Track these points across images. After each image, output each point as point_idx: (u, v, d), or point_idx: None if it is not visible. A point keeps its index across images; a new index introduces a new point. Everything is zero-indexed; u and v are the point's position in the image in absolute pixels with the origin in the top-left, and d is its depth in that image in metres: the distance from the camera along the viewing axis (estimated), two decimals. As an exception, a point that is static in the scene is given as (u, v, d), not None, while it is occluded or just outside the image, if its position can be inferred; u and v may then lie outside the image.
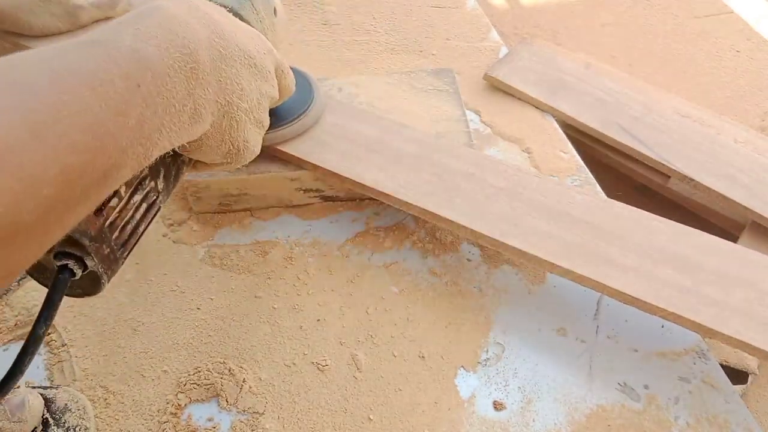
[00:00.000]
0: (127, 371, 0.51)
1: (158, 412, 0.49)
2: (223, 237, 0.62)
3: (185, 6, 0.37)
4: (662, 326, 0.56)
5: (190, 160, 0.44)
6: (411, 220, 0.63)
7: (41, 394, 0.46)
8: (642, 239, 0.54)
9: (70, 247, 0.34)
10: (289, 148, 0.59)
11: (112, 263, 0.37)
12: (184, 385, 0.50)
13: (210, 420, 0.49)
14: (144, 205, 0.39)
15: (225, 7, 0.45)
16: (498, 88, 0.81)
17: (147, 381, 0.51)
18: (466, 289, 0.58)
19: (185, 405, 0.49)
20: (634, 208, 0.56)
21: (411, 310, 0.56)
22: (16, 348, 0.53)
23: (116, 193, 0.36)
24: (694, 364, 0.53)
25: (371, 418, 0.49)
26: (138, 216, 0.39)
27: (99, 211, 0.35)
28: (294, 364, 0.52)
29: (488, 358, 0.53)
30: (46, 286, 0.35)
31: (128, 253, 0.39)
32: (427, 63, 0.84)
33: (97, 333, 0.54)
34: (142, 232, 0.40)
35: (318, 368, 0.52)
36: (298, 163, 0.60)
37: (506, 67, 0.83)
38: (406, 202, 0.56)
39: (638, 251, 0.53)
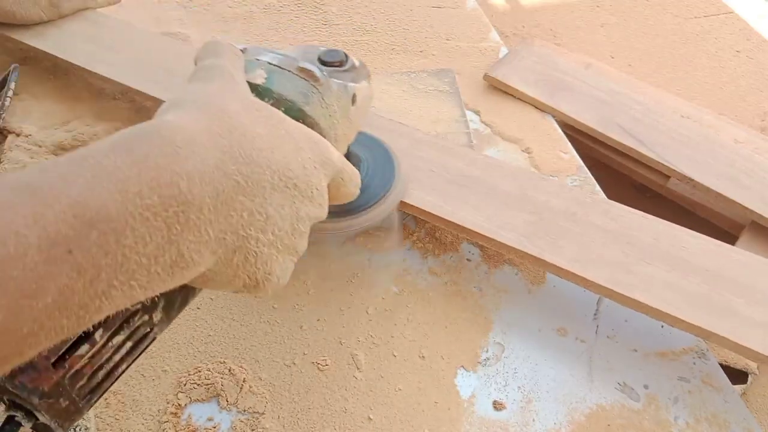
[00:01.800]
0: (127, 371, 0.51)
1: (158, 411, 0.49)
2: (223, 237, 0.61)
3: (207, 118, 0.30)
4: (662, 326, 0.56)
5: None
6: (411, 220, 0.63)
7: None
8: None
9: (19, 399, 0.28)
10: None
11: (72, 415, 0.30)
12: (184, 385, 0.50)
13: (210, 420, 0.49)
14: (129, 344, 0.32)
15: (286, 102, 0.39)
16: (498, 88, 0.81)
17: (147, 381, 0.51)
18: (466, 289, 0.58)
19: (185, 405, 0.49)
20: (753, 255, 0.53)
21: (411, 310, 0.56)
22: (16, 348, 0.53)
23: (88, 338, 0.29)
24: (694, 363, 0.53)
25: (371, 418, 0.49)
26: (118, 357, 0.32)
27: (60, 361, 0.28)
28: (294, 364, 0.52)
29: (488, 358, 0.53)
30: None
31: (98, 397, 0.32)
32: (427, 63, 0.85)
33: (97, 333, 0.54)
34: (123, 372, 0.33)
35: (318, 368, 0.52)
36: None
37: (506, 68, 0.83)
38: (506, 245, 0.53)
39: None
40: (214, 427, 0.48)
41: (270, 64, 0.40)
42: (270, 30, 0.88)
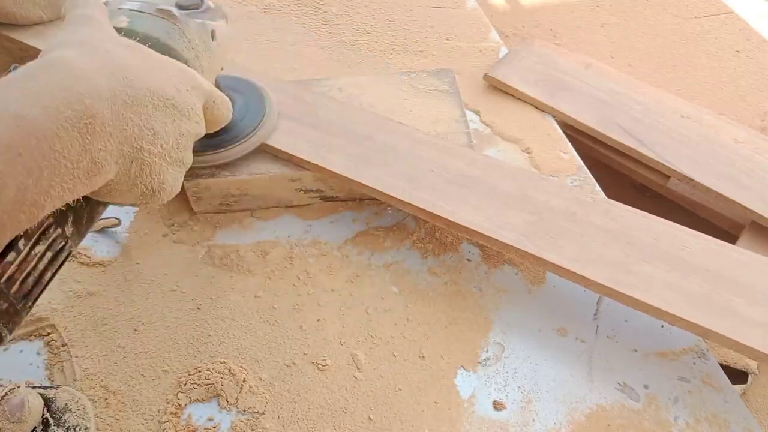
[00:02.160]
0: (127, 371, 0.51)
1: (158, 411, 0.49)
2: (224, 237, 0.62)
3: (89, 54, 0.36)
4: (662, 326, 0.56)
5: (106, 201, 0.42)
6: (411, 220, 0.63)
7: (41, 394, 0.46)
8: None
9: None
10: (377, 183, 0.57)
11: (13, 316, 0.36)
12: (185, 385, 0.50)
13: (210, 420, 0.49)
14: (49, 254, 0.38)
15: (151, 38, 0.44)
16: (498, 88, 0.81)
17: (147, 381, 0.51)
18: (466, 289, 0.58)
19: (185, 405, 0.49)
20: (754, 254, 0.53)
21: (411, 310, 0.56)
22: (16, 348, 0.53)
23: (13, 246, 0.35)
24: (694, 363, 0.53)
25: (371, 418, 0.49)
26: (41, 266, 0.37)
27: None
28: (294, 364, 0.52)
29: (488, 358, 0.53)
30: None
31: (33, 303, 0.37)
32: (427, 63, 0.84)
33: (97, 333, 0.54)
34: (49, 280, 0.38)
35: (318, 368, 0.52)
36: (370, 193, 0.58)
37: (506, 68, 0.83)
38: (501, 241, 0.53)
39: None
40: (214, 427, 0.48)
41: (131, 10, 0.46)
42: (270, 30, 0.88)
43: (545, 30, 1.61)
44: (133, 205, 0.44)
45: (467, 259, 0.60)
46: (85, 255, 0.59)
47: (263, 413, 0.49)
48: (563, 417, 0.50)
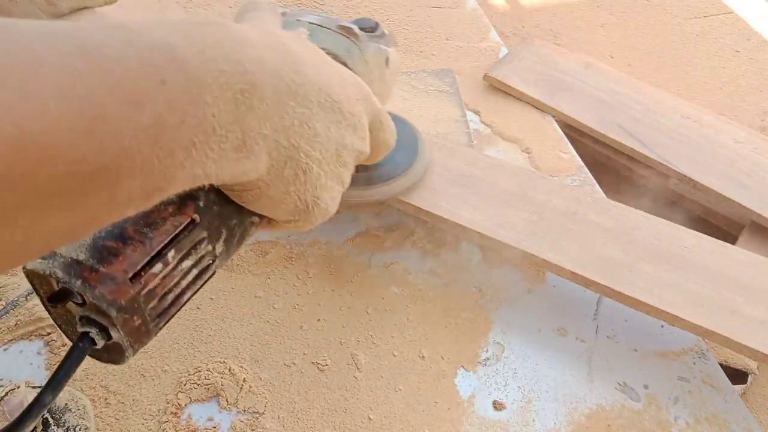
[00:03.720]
0: (127, 371, 0.51)
1: (158, 411, 0.49)
2: (223, 237, 0.62)
3: (260, 31, 0.32)
4: (662, 326, 0.56)
5: (260, 220, 0.38)
6: (411, 220, 0.63)
7: (41, 394, 0.46)
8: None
9: (95, 313, 0.30)
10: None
11: (143, 336, 0.31)
12: (184, 385, 0.50)
13: (210, 420, 0.49)
14: (194, 271, 0.34)
15: (329, 53, 0.40)
16: (498, 88, 0.81)
17: (147, 381, 0.51)
18: (466, 289, 0.58)
19: (185, 405, 0.49)
20: (754, 254, 0.53)
21: (411, 310, 0.56)
22: (16, 348, 0.53)
23: (162, 256, 0.31)
24: (694, 364, 0.53)
25: (371, 417, 0.49)
26: (185, 283, 0.33)
27: (136, 276, 0.30)
28: (294, 364, 0.52)
29: (488, 358, 0.53)
30: (69, 339, 0.32)
31: (165, 323, 0.33)
32: (427, 63, 0.85)
33: (97, 333, 0.54)
34: (187, 300, 0.34)
35: (318, 368, 0.52)
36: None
37: (506, 68, 0.83)
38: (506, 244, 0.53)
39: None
40: (214, 427, 0.48)
41: (311, 23, 0.43)
42: (270, 30, 0.88)
43: (545, 30, 1.61)
44: (283, 227, 0.37)
45: (467, 259, 0.60)
46: (85, 255, 0.59)
47: (263, 413, 0.49)
48: (563, 417, 0.50)
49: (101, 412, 0.49)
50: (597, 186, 0.68)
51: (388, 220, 0.63)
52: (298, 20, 0.43)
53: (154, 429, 0.48)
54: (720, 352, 0.85)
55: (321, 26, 0.43)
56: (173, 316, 0.33)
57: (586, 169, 0.71)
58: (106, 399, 0.50)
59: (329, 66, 0.35)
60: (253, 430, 0.48)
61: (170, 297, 0.32)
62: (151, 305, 0.31)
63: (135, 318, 0.30)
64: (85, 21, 0.74)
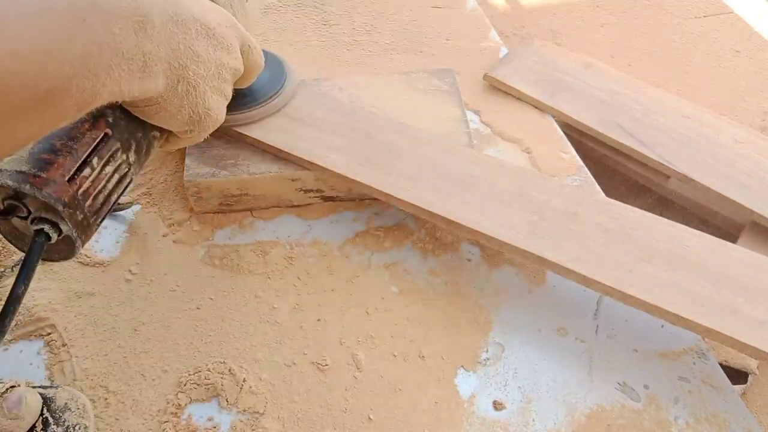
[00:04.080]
0: (127, 371, 0.51)
1: (158, 412, 0.49)
2: (223, 237, 0.62)
3: None
4: (662, 326, 0.56)
5: (161, 134, 0.46)
6: (411, 220, 0.63)
7: (41, 394, 0.46)
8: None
9: (45, 212, 0.37)
10: (377, 183, 0.57)
11: (86, 229, 0.39)
12: (184, 385, 0.50)
13: (210, 420, 0.49)
14: (116, 176, 0.42)
15: None
16: (498, 88, 0.81)
17: (147, 381, 0.51)
18: (466, 289, 0.58)
19: (185, 405, 0.49)
20: (754, 253, 0.53)
21: (411, 310, 0.56)
22: (16, 348, 0.53)
23: (88, 163, 0.38)
24: (694, 364, 0.53)
25: (371, 418, 0.49)
26: (110, 186, 0.41)
27: (72, 179, 0.37)
28: (294, 364, 0.52)
29: (488, 358, 0.53)
30: (23, 251, 0.39)
31: (101, 220, 0.41)
32: (427, 63, 0.84)
33: (97, 333, 0.54)
34: (114, 201, 0.43)
35: (318, 368, 0.52)
36: (370, 193, 0.59)
37: (506, 68, 0.83)
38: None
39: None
40: (214, 427, 0.48)
41: None
42: (270, 30, 0.88)
43: (545, 30, 1.61)
44: (181, 139, 0.46)
45: (467, 259, 0.60)
46: (85, 255, 0.59)
47: (263, 413, 0.49)
48: (563, 417, 0.50)
49: (101, 412, 0.49)
50: (597, 186, 0.68)
51: (388, 220, 0.63)
52: None
53: (154, 429, 0.48)
54: (720, 352, 0.85)
55: None
56: (107, 214, 0.42)
57: (586, 169, 0.71)
58: (106, 399, 0.50)
59: (201, 2, 0.43)
60: (253, 430, 0.48)
61: (101, 197, 0.40)
62: (87, 203, 0.39)
63: (78, 213, 0.38)
64: None
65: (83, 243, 0.40)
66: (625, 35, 1.60)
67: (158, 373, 0.51)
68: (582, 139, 0.87)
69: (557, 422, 0.49)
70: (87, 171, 0.38)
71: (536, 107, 0.80)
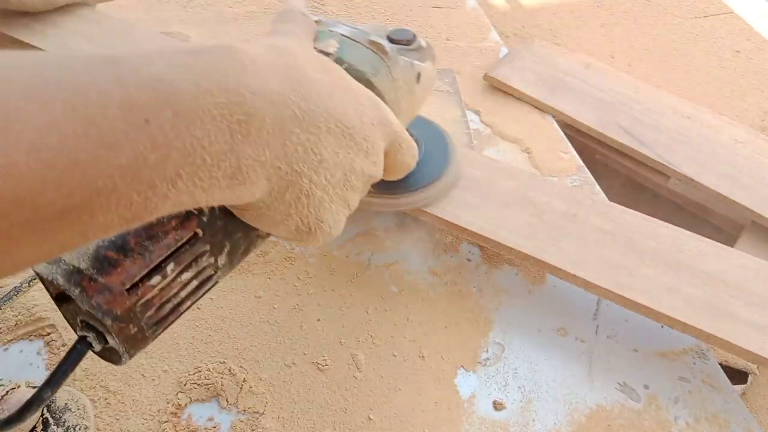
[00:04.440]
0: (127, 371, 0.51)
1: (158, 412, 0.49)
2: (223, 237, 0.61)
3: (271, 52, 0.32)
4: (662, 326, 0.56)
5: (265, 233, 0.38)
6: (411, 220, 0.63)
7: (41, 394, 0.46)
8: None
9: (92, 320, 0.31)
10: None
11: (138, 342, 0.32)
12: (185, 385, 0.50)
13: (210, 420, 0.49)
14: (194, 282, 0.34)
15: (356, 72, 0.40)
16: (498, 88, 0.81)
17: (147, 381, 0.51)
18: (466, 289, 0.58)
19: (185, 405, 0.49)
20: (753, 257, 0.53)
21: (411, 310, 0.56)
22: (16, 348, 0.53)
23: (160, 269, 0.31)
24: (694, 364, 0.53)
25: (371, 417, 0.49)
26: (183, 294, 0.34)
27: (134, 287, 0.30)
28: (294, 364, 0.52)
29: (488, 358, 0.53)
30: (76, 333, 0.33)
31: (162, 330, 0.34)
32: (427, 63, 0.84)
33: (97, 333, 0.54)
34: (187, 309, 0.35)
35: (318, 368, 0.52)
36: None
37: (506, 68, 0.83)
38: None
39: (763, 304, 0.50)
40: (214, 427, 0.48)
41: (342, 35, 0.42)
42: (270, 30, 0.88)
43: (545, 30, 1.61)
44: (289, 240, 0.37)
45: (467, 259, 0.60)
46: (85, 255, 0.59)
47: (263, 413, 0.49)
48: (563, 417, 0.50)
49: (101, 412, 0.49)
50: (597, 186, 0.68)
51: (388, 220, 0.63)
52: (330, 30, 0.42)
53: (154, 429, 0.48)
54: (720, 351, 0.85)
55: (352, 39, 0.42)
56: (172, 323, 0.34)
57: (586, 169, 0.71)
58: (106, 399, 0.50)
59: (344, 90, 0.35)
60: (253, 430, 0.48)
61: (168, 306, 0.33)
62: (147, 314, 0.32)
63: (131, 326, 0.31)
64: (82, 23, 0.74)
65: (131, 356, 0.33)
66: (625, 35, 1.60)
67: (158, 373, 0.51)
68: (582, 139, 0.87)
69: (557, 422, 0.49)
70: (156, 279, 0.31)
71: (536, 107, 0.80)
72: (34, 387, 0.47)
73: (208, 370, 0.51)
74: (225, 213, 0.34)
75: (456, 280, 0.59)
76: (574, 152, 0.73)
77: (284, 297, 0.57)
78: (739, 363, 0.85)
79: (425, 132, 0.57)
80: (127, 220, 0.25)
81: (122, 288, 0.30)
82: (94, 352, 0.32)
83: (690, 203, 0.99)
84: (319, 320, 0.55)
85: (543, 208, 0.56)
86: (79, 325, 0.32)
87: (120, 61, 0.25)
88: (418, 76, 0.45)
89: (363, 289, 0.58)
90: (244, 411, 0.49)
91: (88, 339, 0.31)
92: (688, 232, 0.55)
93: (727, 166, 0.83)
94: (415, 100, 0.46)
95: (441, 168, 0.55)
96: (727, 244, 0.55)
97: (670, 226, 0.55)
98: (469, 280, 0.59)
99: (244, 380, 0.51)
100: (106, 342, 0.32)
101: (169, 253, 0.32)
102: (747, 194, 0.81)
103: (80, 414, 0.47)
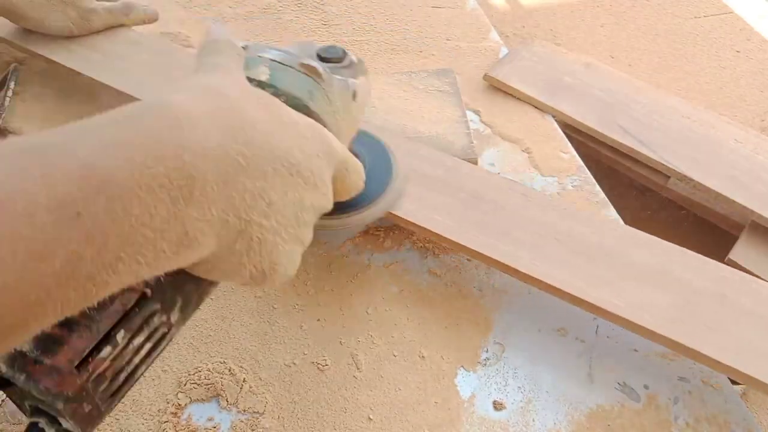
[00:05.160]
0: (145, 373, 0.51)
1: (158, 412, 0.49)
2: (223, 237, 0.61)
3: (205, 97, 0.30)
4: (662, 326, 0.55)
5: (218, 282, 0.36)
6: (411, 220, 0.63)
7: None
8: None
9: (43, 404, 0.28)
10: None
11: (95, 419, 0.30)
12: (184, 385, 0.50)
13: (210, 420, 0.49)
14: (148, 345, 0.32)
15: (291, 98, 0.38)
16: (498, 88, 0.81)
17: (147, 381, 0.51)
18: (465, 289, 0.58)
19: (185, 405, 0.49)
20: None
21: (411, 310, 0.56)
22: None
23: (110, 339, 0.29)
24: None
25: (371, 417, 0.49)
26: (137, 360, 0.31)
27: (83, 363, 0.28)
28: (294, 364, 0.52)
29: (488, 358, 0.53)
30: (25, 415, 0.30)
31: (119, 400, 0.32)
32: (427, 63, 0.84)
33: (97, 333, 0.54)
34: (142, 374, 0.33)
35: (318, 368, 0.52)
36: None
37: (506, 68, 0.83)
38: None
39: None
40: (214, 427, 0.48)
41: (273, 60, 0.40)
42: (270, 30, 0.88)
43: (545, 30, 1.61)
44: (244, 285, 0.35)
45: (467, 259, 0.60)
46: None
47: (263, 413, 0.49)
48: (563, 417, 0.50)
49: (101, 412, 0.49)
50: (597, 186, 0.68)
51: (388, 220, 0.63)
52: (259, 56, 0.40)
53: (154, 429, 0.48)
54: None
55: (282, 64, 0.40)
56: (127, 392, 0.32)
57: (586, 169, 0.71)
58: (106, 399, 0.50)
59: (285, 125, 0.33)
60: (253, 430, 0.48)
61: (122, 376, 0.31)
62: (101, 389, 0.30)
63: (84, 405, 0.29)
64: (122, 45, 0.73)
65: None
66: (625, 35, 1.60)
67: (158, 373, 0.51)
68: (582, 139, 0.87)
69: (557, 422, 0.49)
70: (107, 350, 0.29)
71: (536, 107, 0.80)
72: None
73: (208, 370, 0.51)
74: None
75: (456, 280, 0.59)
76: (574, 152, 0.73)
77: (284, 297, 0.57)
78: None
79: (364, 146, 0.54)
80: (66, 314, 0.23)
81: (71, 366, 0.28)
82: None
83: (690, 203, 0.99)
84: (319, 320, 0.55)
85: (541, 222, 0.56)
86: (29, 410, 0.29)
87: (47, 149, 0.23)
88: (354, 94, 0.44)
89: (363, 289, 0.58)
90: (244, 411, 0.49)
91: (39, 425, 0.29)
92: (704, 258, 0.53)
93: (727, 166, 0.83)
94: (354, 118, 0.44)
95: (385, 181, 0.52)
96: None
97: (653, 237, 0.54)
98: (469, 280, 0.59)
99: (244, 380, 0.51)
100: (60, 425, 0.29)
101: (117, 320, 0.29)
102: (747, 194, 0.81)
103: (80, 414, 0.47)
